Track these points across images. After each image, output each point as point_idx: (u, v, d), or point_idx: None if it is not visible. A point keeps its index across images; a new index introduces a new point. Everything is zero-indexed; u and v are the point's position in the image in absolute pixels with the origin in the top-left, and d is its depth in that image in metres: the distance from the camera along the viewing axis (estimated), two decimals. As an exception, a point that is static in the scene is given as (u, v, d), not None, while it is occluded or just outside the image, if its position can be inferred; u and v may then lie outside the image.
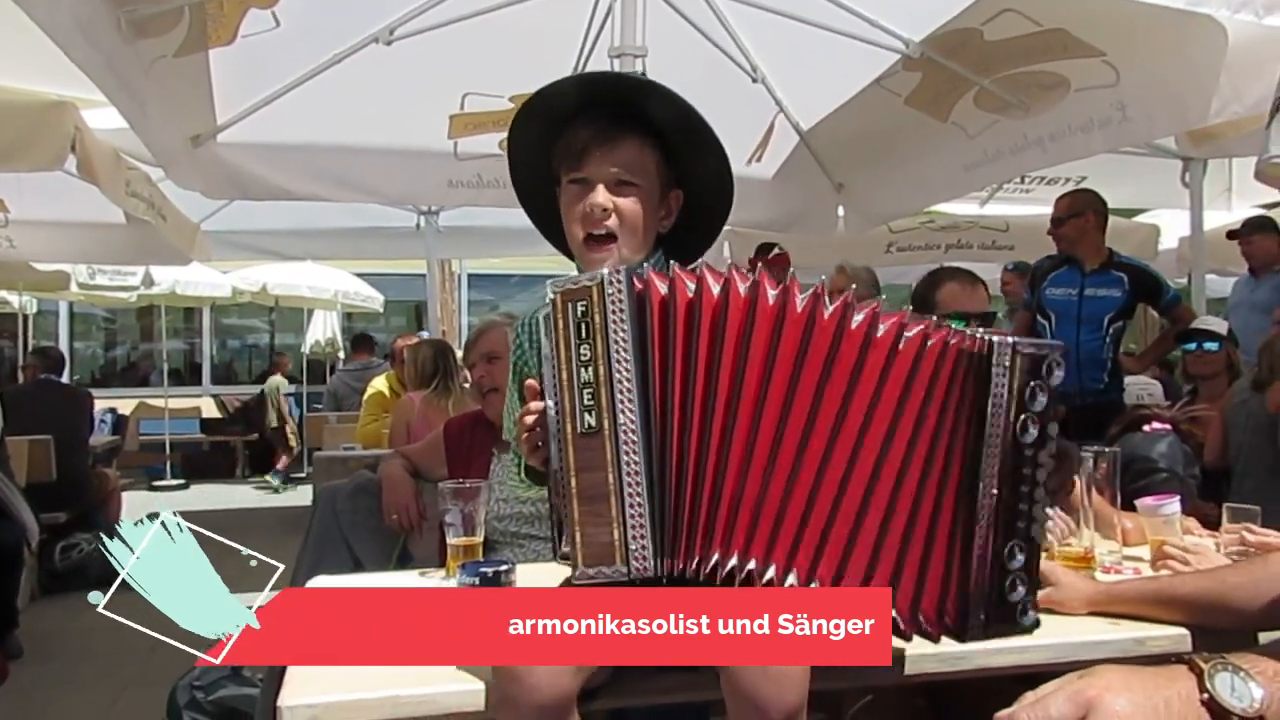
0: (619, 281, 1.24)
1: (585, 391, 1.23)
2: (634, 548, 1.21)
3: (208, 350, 13.12)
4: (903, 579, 1.23)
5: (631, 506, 1.22)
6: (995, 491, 1.22)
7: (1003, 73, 3.70)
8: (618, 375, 1.23)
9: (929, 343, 1.24)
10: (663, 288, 1.25)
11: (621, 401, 1.23)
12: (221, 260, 8.45)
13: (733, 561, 1.22)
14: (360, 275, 10.92)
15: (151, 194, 4.69)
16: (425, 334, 7.14)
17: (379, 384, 5.82)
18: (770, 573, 1.22)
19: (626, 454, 1.22)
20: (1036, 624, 1.28)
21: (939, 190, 4.73)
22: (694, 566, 1.22)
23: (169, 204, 5.08)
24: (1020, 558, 1.24)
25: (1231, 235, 5.69)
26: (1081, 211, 4.41)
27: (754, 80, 4.26)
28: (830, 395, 1.22)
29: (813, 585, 1.21)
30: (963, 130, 4.09)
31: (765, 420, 1.22)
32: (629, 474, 1.22)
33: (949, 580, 1.24)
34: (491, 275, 13.14)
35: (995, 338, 1.25)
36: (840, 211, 5.13)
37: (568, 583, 1.32)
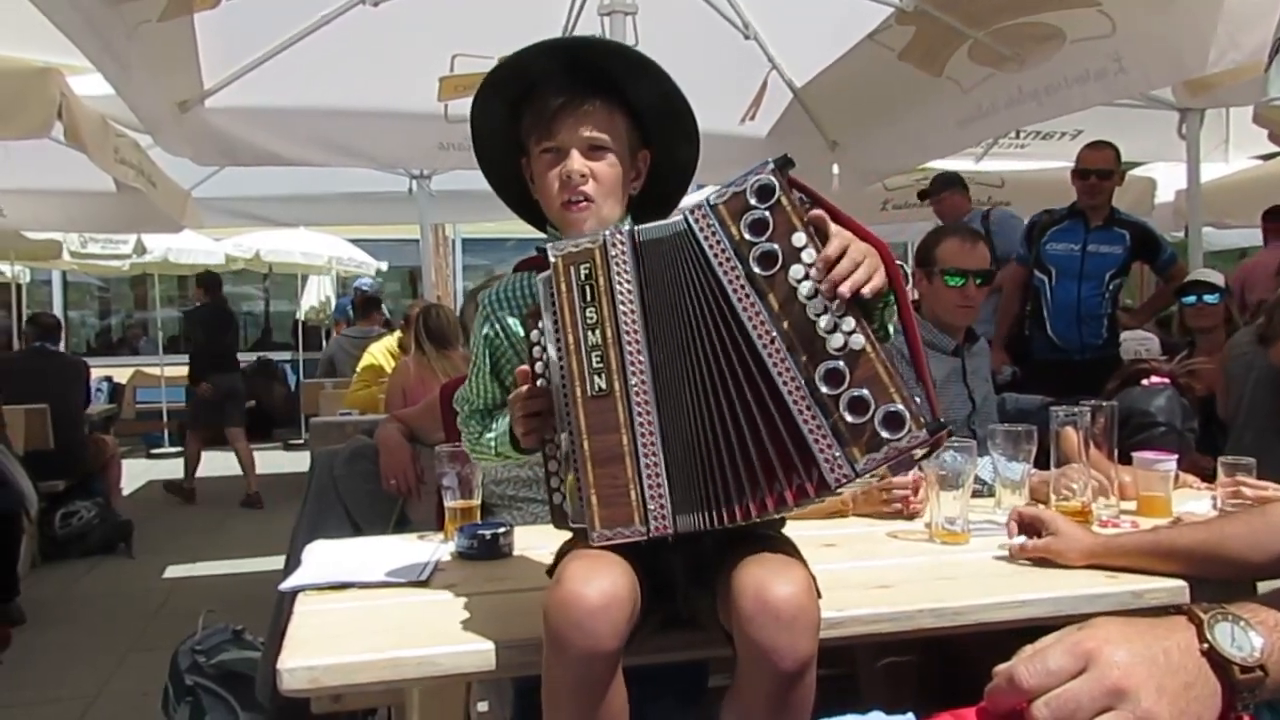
0: (621, 242, 1.23)
1: (594, 354, 1.22)
2: (652, 507, 1.21)
3: (203, 318, 13.07)
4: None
5: (647, 466, 1.21)
6: (773, 333, 1.17)
7: (997, 25, 3.66)
8: (626, 336, 1.22)
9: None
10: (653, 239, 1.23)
11: (632, 362, 1.22)
12: (214, 227, 8.40)
13: (740, 505, 1.20)
14: (354, 241, 10.87)
15: (140, 161, 4.65)
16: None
17: (376, 352, 5.79)
18: (759, 508, 1.20)
19: (640, 414, 1.22)
20: (927, 433, 1.13)
21: (934, 146, 4.69)
22: (713, 519, 1.21)
23: (159, 171, 5.04)
24: (844, 376, 1.14)
25: (923, 195, 5.88)
26: (1118, 168, 4.45)
27: (746, 37, 4.21)
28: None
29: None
30: (957, 85, 4.04)
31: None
32: (643, 434, 1.22)
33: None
34: (486, 240, 13.08)
35: (686, 210, 1.22)
36: (835, 170, 5.08)
37: (570, 545, 1.32)
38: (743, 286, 1.19)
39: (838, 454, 1.15)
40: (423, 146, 4.75)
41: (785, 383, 1.17)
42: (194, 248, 9.60)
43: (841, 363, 1.15)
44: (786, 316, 1.17)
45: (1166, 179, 6.77)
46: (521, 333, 1.39)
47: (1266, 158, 6.51)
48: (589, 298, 1.23)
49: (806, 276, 1.16)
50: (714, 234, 1.20)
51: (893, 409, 1.13)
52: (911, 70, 4.06)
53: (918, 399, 1.15)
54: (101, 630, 4.41)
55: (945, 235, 2.68)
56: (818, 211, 1.19)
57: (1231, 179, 6.49)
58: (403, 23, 3.93)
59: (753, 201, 1.19)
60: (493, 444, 1.46)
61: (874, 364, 1.14)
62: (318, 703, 1.88)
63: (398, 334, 5.77)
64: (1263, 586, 1.44)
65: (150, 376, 11.06)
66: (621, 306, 1.23)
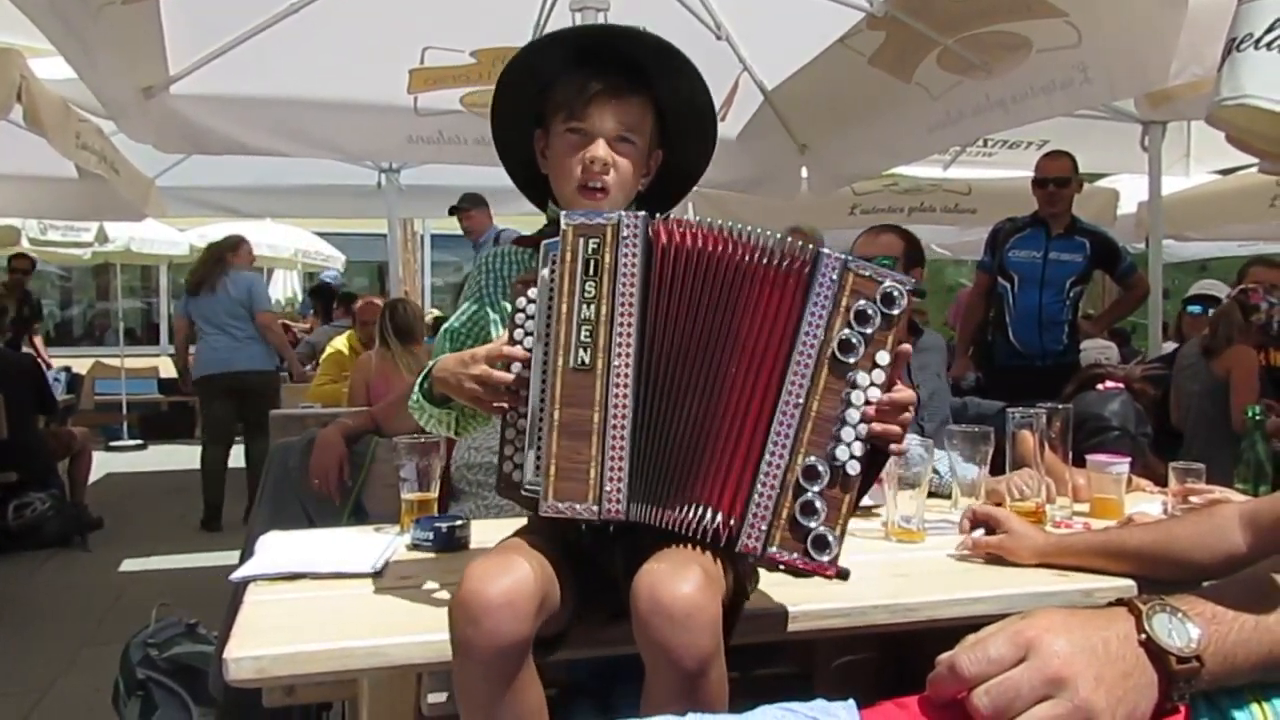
0: (634, 225, 1.24)
1: (584, 328, 1.23)
2: (609, 489, 1.21)
3: (165, 309, 12.90)
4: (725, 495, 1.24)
5: (613, 449, 1.22)
6: (800, 402, 1.20)
7: (966, 32, 3.69)
8: (619, 317, 1.23)
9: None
10: (675, 236, 1.24)
11: (619, 344, 1.23)
12: (178, 217, 8.30)
13: (696, 513, 1.22)
14: (320, 234, 10.78)
15: (103, 147, 4.58)
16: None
17: (339, 344, 5.75)
18: (714, 518, 1.22)
19: (616, 396, 1.22)
20: (835, 570, 1.21)
21: (902, 152, 4.73)
22: (665, 516, 1.22)
23: (121, 158, 4.96)
24: (821, 480, 1.20)
25: (452, 211, 6.34)
26: (1075, 176, 4.52)
27: (718, 38, 4.23)
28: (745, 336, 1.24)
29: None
30: (926, 91, 4.07)
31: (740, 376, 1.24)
32: (615, 416, 1.22)
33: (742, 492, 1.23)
34: (455, 236, 12.94)
35: (824, 249, 1.22)
36: (804, 173, 5.12)
37: (531, 519, 1.32)
38: (811, 347, 1.21)
39: (764, 528, 1.21)
40: (392, 139, 4.72)
41: (774, 445, 1.21)
42: (157, 237, 9.47)
43: (829, 471, 1.19)
44: (821, 402, 1.21)
45: (1129, 191, 6.86)
46: (508, 306, 1.39)
47: (1225, 172, 6.62)
48: (591, 271, 1.23)
49: (865, 389, 1.20)
50: (829, 288, 1.21)
51: (830, 535, 1.20)
52: (881, 75, 4.09)
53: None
54: (55, 624, 4.34)
55: (864, 233, 2.90)
56: (906, 348, 1.23)
57: (1192, 192, 6.59)
58: (373, 13, 3.92)
59: (877, 296, 1.21)
60: (418, 395, 1.46)
61: (849, 493, 1.21)
62: (269, 695, 1.86)
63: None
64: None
65: (110, 368, 10.91)
66: (621, 288, 1.23)
